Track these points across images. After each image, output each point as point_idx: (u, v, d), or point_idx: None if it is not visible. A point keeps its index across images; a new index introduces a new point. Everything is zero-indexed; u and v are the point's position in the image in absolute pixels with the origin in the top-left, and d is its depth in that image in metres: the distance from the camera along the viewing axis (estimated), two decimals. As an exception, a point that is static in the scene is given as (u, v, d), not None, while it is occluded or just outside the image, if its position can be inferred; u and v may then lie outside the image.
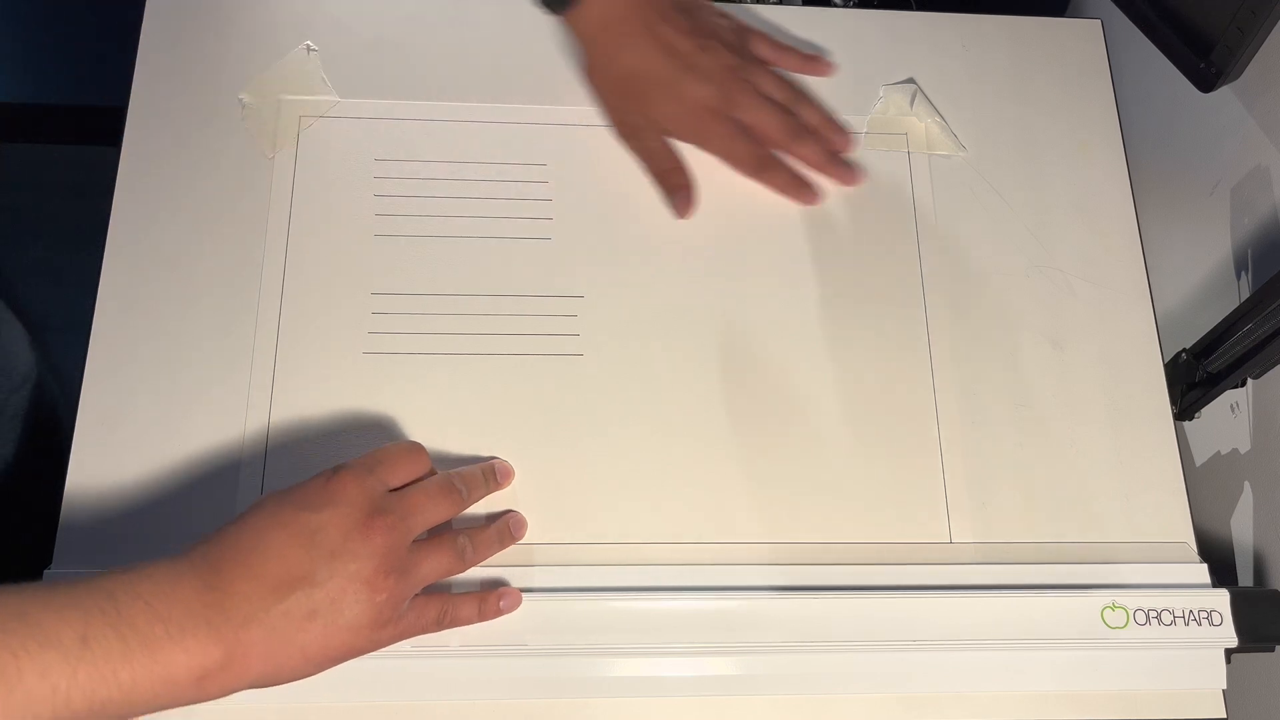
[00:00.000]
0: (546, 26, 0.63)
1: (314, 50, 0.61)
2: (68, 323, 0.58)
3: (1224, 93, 0.58)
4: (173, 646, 0.41)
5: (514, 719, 0.50)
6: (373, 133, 0.60)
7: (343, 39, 0.62)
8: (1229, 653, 0.52)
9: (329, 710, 0.49)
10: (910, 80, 0.64)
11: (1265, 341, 0.54)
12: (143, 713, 0.41)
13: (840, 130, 0.62)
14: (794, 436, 0.56)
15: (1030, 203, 0.62)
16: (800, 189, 0.60)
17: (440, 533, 0.49)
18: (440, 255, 0.58)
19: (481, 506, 0.52)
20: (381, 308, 0.57)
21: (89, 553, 0.51)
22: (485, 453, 0.54)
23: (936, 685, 0.51)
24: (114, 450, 0.53)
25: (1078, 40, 0.66)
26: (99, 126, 1.01)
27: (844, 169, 0.61)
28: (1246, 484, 0.59)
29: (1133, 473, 0.56)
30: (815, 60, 0.63)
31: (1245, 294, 0.59)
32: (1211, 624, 0.52)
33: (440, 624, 0.49)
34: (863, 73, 0.64)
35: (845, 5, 0.77)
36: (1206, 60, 0.56)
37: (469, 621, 0.49)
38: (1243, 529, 0.59)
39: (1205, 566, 0.54)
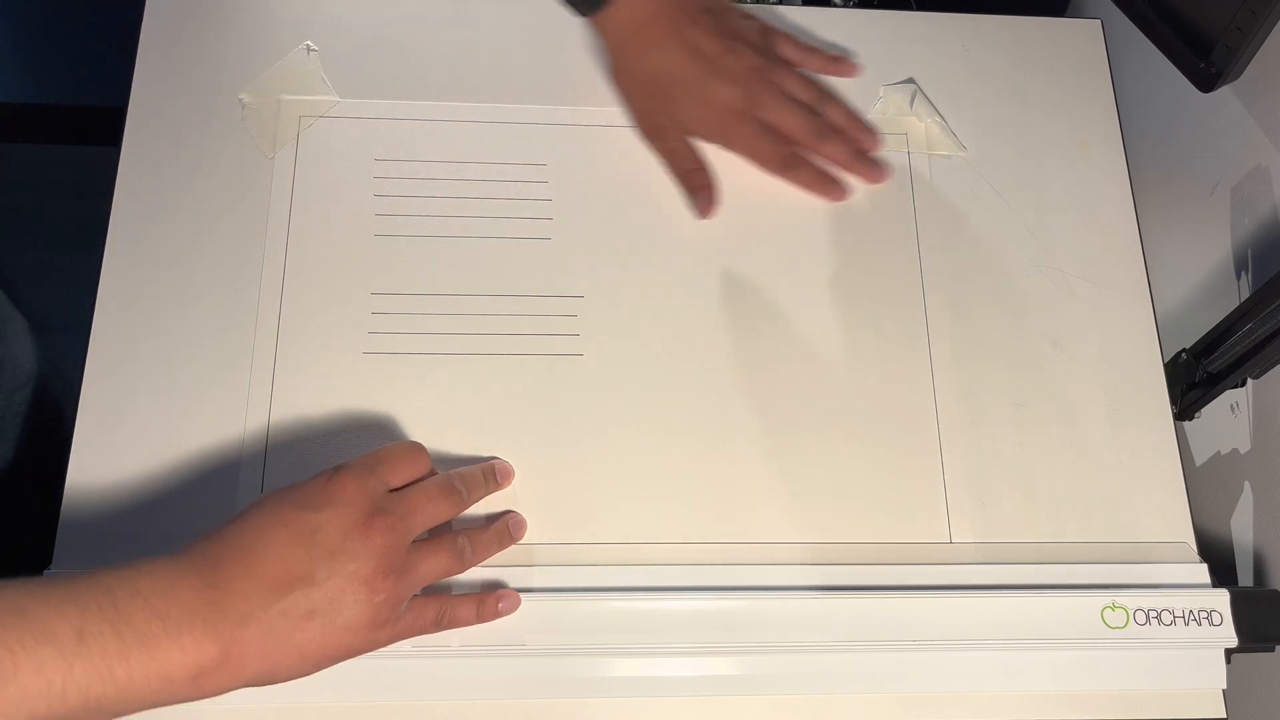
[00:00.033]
0: (547, 27, 0.63)
1: (314, 50, 0.61)
2: (68, 323, 0.58)
3: (1224, 93, 0.58)
4: (169, 644, 0.41)
5: (514, 719, 0.50)
6: (373, 133, 0.60)
7: (343, 39, 0.62)
8: (1229, 653, 0.52)
9: (329, 710, 0.49)
10: (910, 80, 0.64)
11: (1265, 341, 0.54)
12: (139, 709, 0.41)
13: (866, 129, 0.62)
14: (794, 436, 0.56)
15: (1030, 203, 0.62)
16: (828, 185, 0.60)
17: (440, 533, 0.49)
18: (440, 255, 0.58)
19: (481, 507, 0.52)
20: (381, 308, 0.56)
21: (89, 552, 0.51)
22: (485, 453, 0.54)
23: (936, 685, 0.51)
24: (114, 450, 0.53)
25: (1078, 40, 0.66)
26: (99, 126, 1.01)
27: (871, 167, 0.61)
28: (1246, 484, 0.59)
29: (1133, 473, 0.56)
30: (840, 61, 0.63)
31: (1245, 294, 0.59)
32: (1211, 624, 0.52)
33: (438, 625, 0.49)
34: (863, 73, 0.64)
35: (845, 5, 0.77)
36: (1206, 60, 0.56)
37: (467, 623, 0.49)
38: (1243, 529, 0.59)
39: (1205, 566, 0.54)
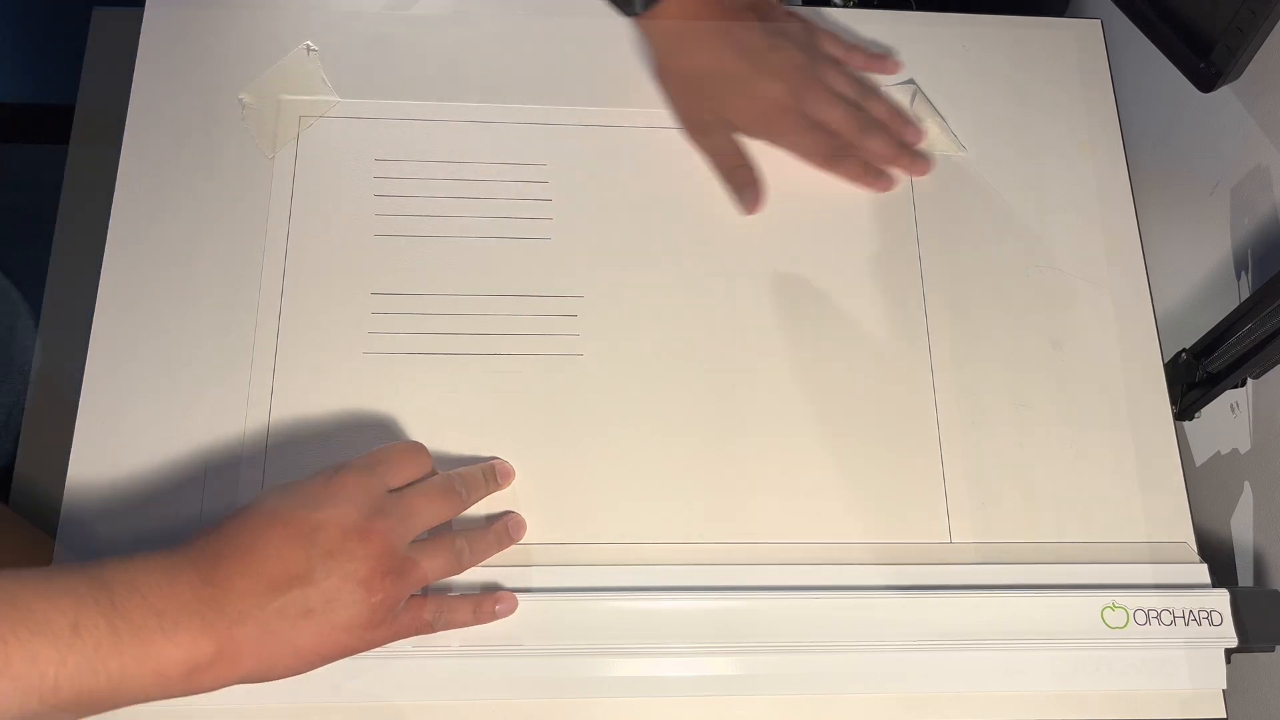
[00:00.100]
0: (547, 27, 0.63)
1: (314, 50, 0.61)
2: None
3: (1224, 93, 0.58)
4: (164, 639, 0.41)
5: (514, 719, 0.50)
6: (373, 133, 0.60)
7: (343, 39, 0.62)
8: (1229, 653, 0.52)
9: (329, 710, 0.49)
10: (910, 80, 0.64)
11: (1265, 341, 0.54)
12: (132, 703, 0.41)
13: (909, 123, 0.62)
14: (793, 436, 0.56)
15: (1030, 203, 0.62)
16: (874, 176, 0.61)
17: (439, 534, 0.49)
18: (440, 255, 0.58)
19: (481, 506, 0.53)
20: (381, 308, 0.56)
21: (89, 552, 0.51)
22: (485, 453, 0.54)
23: (936, 685, 0.51)
24: (114, 450, 0.53)
25: (1078, 40, 0.66)
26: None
27: (915, 159, 0.62)
28: (1246, 484, 0.59)
29: (1132, 473, 0.56)
30: (882, 58, 0.64)
31: (1245, 294, 0.59)
32: (1211, 624, 0.52)
33: (435, 626, 0.49)
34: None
35: (845, 5, 0.77)
36: (1206, 60, 0.56)
37: (464, 624, 0.49)
38: (1243, 529, 0.59)
39: (1205, 566, 0.54)
